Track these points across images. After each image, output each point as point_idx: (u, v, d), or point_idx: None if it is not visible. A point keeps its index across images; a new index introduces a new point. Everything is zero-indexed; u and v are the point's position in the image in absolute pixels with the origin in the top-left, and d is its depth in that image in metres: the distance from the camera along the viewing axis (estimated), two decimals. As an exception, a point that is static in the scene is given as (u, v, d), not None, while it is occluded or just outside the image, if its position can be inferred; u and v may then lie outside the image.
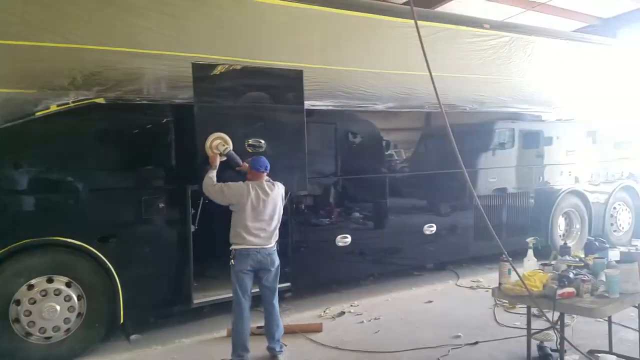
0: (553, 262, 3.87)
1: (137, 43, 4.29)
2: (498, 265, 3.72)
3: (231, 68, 4.47)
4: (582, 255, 3.95)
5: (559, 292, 3.23)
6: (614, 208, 7.97)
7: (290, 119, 4.73)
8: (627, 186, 7.99)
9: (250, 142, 4.46)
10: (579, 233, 7.56)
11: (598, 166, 7.62)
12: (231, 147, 4.18)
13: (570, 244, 7.38)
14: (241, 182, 4.00)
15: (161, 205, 4.41)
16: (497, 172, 6.57)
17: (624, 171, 7.96)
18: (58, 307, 4.01)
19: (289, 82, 4.70)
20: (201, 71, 4.28)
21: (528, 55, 6.70)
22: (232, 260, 3.84)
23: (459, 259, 6.72)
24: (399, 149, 5.95)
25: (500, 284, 3.65)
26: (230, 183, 4.00)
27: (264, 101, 4.64)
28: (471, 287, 5.99)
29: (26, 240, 3.91)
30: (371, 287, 6.06)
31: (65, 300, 4.07)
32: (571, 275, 3.38)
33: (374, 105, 5.55)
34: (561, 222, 7.41)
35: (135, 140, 4.37)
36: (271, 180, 4.06)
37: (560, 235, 7.33)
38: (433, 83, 3.07)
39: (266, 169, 4.02)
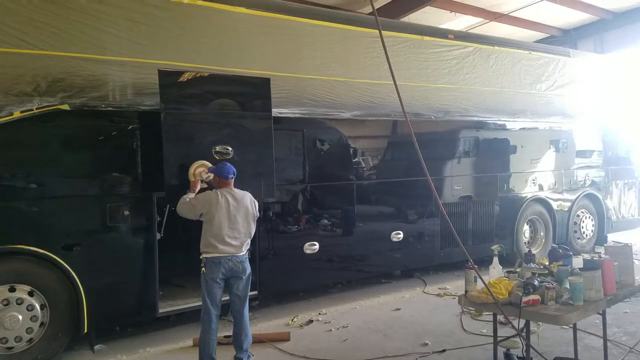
0: (518, 270, 4.05)
1: (102, 49, 4.46)
2: (464, 272, 3.93)
3: (198, 75, 4.70)
4: (547, 263, 4.19)
5: (524, 299, 3.33)
6: (578, 215, 8.48)
7: (258, 126, 4.98)
8: (590, 194, 8.53)
9: (217, 149, 4.69)
10: (543, 240, 8.03)
11: (561, 174, 8.12)
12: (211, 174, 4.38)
13: (534, 251, 7.88)
14: (210, 191, 4.19)
15: (126, 212, 4.56)
16: (462, 179, 6.97)
17: (587, 179, 8.50)
18: (20, 317, 4.11)
19: (257, 89, 4.96)
20: (168, 78, 4.50)
21: (491, 65, 7.17)
22: (203, 269, 4.00)
23: (425, 266, 7.06)
24: (365, 157, 6.27)
25: (466, 291, 3.83)
26: (198, 195, 4.20)
27: (232, 108, 4.87)
28: (438, 295, 6.31)
29: (-15, 249, 4.01)
30: (339, 295, 6.31)
31: (28, 310, 4.17)
32: (536, 282, 3.55)
33: (340, 113, 5.84)
34: (526, 230, 7.87)
35: (100, 147, 4.52)
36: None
37: (525, 243, 7.78)
38: (397, 92, 3.37)
39: (233, 175, 4.21)
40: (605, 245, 6.24)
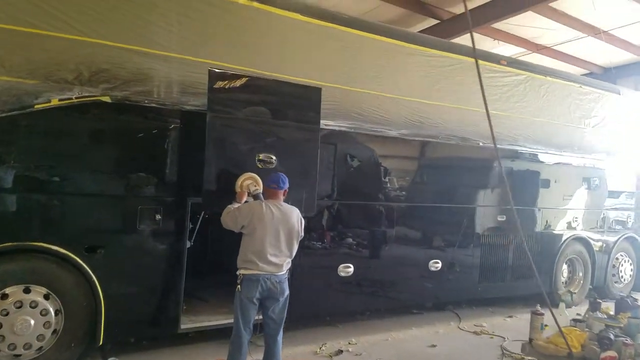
0: (584, 318, 3.71)
1: (152, 43, 4.18)
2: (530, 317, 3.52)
3: (249, 79, 4.39)
4: (611, 312, 3.83)
5: (602, 355, 3.09)
6: (617, 259, 8.02)
7: (305, 137, 4.65)
8: (631, 237, 8.07)
9: (260, 157, 4.35)
10: (581, 282, 7.57)
11: (603, 214, 7.68)
12: (261, 190, 4.06)
13: (573, 292, 7.45)
14: (255, 201, 3.85)
15: (158, 216, 4.22)
16: (504, 211, 6.54)
17: (628, 220, 8.04)
18: (32, 322, 3.77)
19: (307, 99, 4.64)
20: (218, 79, 4.18)
21: (542, 95, 6.81)
22: (239, 286, 3.63)
23: (462, 300, 6.60)
24: (410, 178, 5.90)
25: (531, 339, 3.47)
26: (242, 205, 3.86)
27: (280, 116, 4.54)
28: (475, 332, 5.86)
29: (4, 244, 3.67)
30: (368, 323, 5.89)
31: (42, 315, 3.83)
32: (612, 336, 3.25)
33: (387, 131, 5.49)
34: (564, 269, 7.41)
35: (138, 145, 4.20)
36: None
37: (562, 283, 7.32)
38: (489, 119, 3.05)
39: (280, 186, 3.86)
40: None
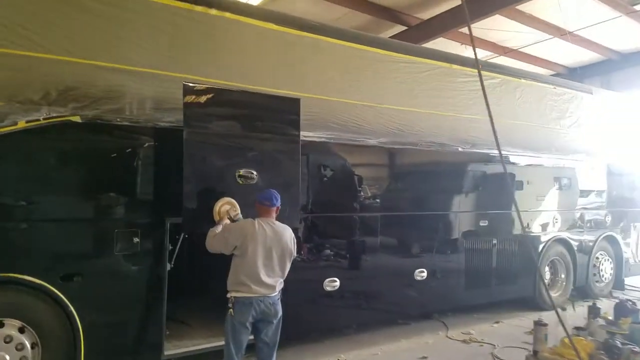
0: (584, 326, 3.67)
1: (122, 58, 4.07)
2: (533, 328, 3.51)
3: (225, 92, 4.33)
4: (610, 317, 3.83)
5: None
6: (597, 258, 8.18)
7: (285, 149, 4.59)
8: (609, 235, 8.26)
9: (241, 173, 4.28)
10: (564, 283, 7.69)
11: (582, 214, 7.85)
12: (240, 214, 3.96)
13: (555, 294, 7.57)
14: (246, 219, 3.76)
15: (136, 240, 4.08)
16: (487, 216, 6.63)
17: (607, 219, 8.24)
18: (8, 358, 3.57)
19: (286, 110, 4.59)
20: (193, 93, 4.11)
21: (518, 98, 6.95)
22: (231, 310, 3.52)
23: (448, 308, 6.62)
24: (392, 187, 5.92)
25: (535, 351, 3.45)
26: (231, 224, 3.75)
27: (258, 129, 4.49)
28: (464, 341, 5.87)
29: (-27, 278, 3.50)
30: (356, 338, 5.83)
31: (17, 350, 3.66)
32: (618, 344, 3.24)
33: (367, 140, 5.49)
34: (546, 271, 7.52)
35: (112, 165, 4.07)
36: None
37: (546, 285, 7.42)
38: (493, 128, 3.07)
39: (273, 203, 3.78)
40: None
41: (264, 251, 3.57)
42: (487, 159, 6.67)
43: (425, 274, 5.96)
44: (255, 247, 3.53)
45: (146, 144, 4.19)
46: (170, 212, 4.22)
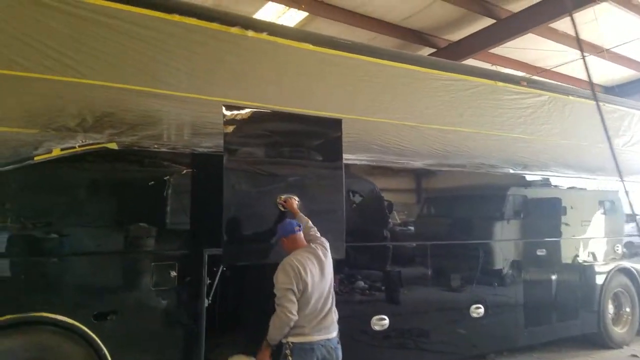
0: None
1: (159, 83, 4.03)
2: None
3: (265, 114, 4.23)
4: None
5: None
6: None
7: (328, 174, 4.42)
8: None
9: (282, 198, 4.11)
10: (629, 317, 7.20)
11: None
12: None
13: (621, 330, 7.09)
14: (285, 262, 3.40)
15: (173, 273, 3.91)
16: (544, 244, 6.30)
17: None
18: (37, 404, 3.37)
19: (327, 132, 4.46)
20: (233, 115, 4.01)
21: (567, 116, 6.72)
22: (289, 358, 3.25)
23: (506, 348, 6.20)
24: (443, 212, 5.67)
25: None
26: (280, 277, 3.34)
27: (300, 153, 4.35)
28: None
29: (1, 317, 3.33)
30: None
31: (48, 397, 3.44)
32: None
33: (411, 162, 5.32)
34: (609, 305, 7.07)
35: (149, 194, 3.94)
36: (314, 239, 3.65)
37: (610, 319, 6.96)
38: (614, 155, 2.86)
39: (300, 227, 3.64)
40: None
41: (317, 286, 3.34)
42: (538, 182, 6.40)
43: (482, 310, 5.60)
44: (306, 284, 3.29)
45: (184, 171, 4.07)
46: (208, 243, 4.06)
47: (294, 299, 3.24)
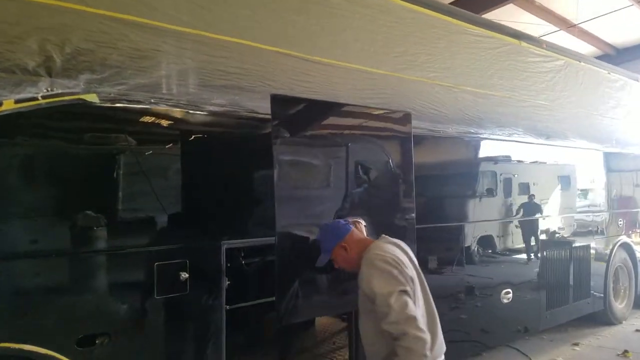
0: None
1: (154, 11, 2.80)
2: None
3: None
4: None
5: None
6: (651, 261, 7.43)
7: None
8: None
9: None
10: (627, 292, 6.88)
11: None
12: None
13: (620, 305, 6.73)
14: (370, 259, 2.31)
15: (184, 275, 2.78)
16: (563, 220, 5.69)
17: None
18: None
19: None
20: (281, 105, 2.88)
21: (580, 83, 6.08)
22: None
23: (529, 334, 5.55)
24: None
25: None
26: (391, 285, 2.19)
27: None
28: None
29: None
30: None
31: None
32: None
33: (446, 129, 4.41)
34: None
35: (145, 169, 2.76)
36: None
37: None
38: None
39: (350, 221, 2.68)
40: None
41: (419, 282, 2.37)
42: (558, 153, 5.75)
43: (510, 296, 4.88)
44: (412, 277, 2.30)
45: (192, 137, 2.93)
46: (227, 233, 2.96)
47: (413, 307, 2.14)
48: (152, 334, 2.73)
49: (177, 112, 2.85)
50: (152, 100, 2.75)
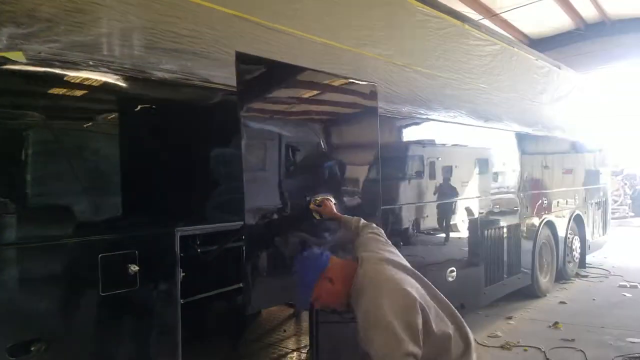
0: None
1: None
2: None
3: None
4: None
5: None
6: (568, 238, 7.95)
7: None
8: (577, 214, 8.08)
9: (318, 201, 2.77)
10: (549, 267, 7.29)
11: (562, 193, 7.52)
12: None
13: (544, 279, 7.13)
14: (367, 306, 2.00)
15: (133, 268, 2.39)
16: (496, 199, 5.83)
17: (575, 198, 8.05)
18: None
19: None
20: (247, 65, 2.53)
21: (513, 68, 6.25)
22: None
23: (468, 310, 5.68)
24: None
25: None
26: (394, 348, 1.84)
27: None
28: (503, 347, 4.98)
29: None
30: None
31: None
32: None
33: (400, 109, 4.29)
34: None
35: (84, 144, 2.33)
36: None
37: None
38: None
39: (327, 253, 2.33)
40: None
41: (437, 311, 2.15)
42: (499, 136, 5.89)
43: (455, 274, 4.92)
44: (427, 316, 2.02)
45: (139, 107, 2.52)
46: (181, 219, 2.61)
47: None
48: (99, 336, 2.33)
49: (122, 78, 2.42)
50: (91, 63, 2.32)
